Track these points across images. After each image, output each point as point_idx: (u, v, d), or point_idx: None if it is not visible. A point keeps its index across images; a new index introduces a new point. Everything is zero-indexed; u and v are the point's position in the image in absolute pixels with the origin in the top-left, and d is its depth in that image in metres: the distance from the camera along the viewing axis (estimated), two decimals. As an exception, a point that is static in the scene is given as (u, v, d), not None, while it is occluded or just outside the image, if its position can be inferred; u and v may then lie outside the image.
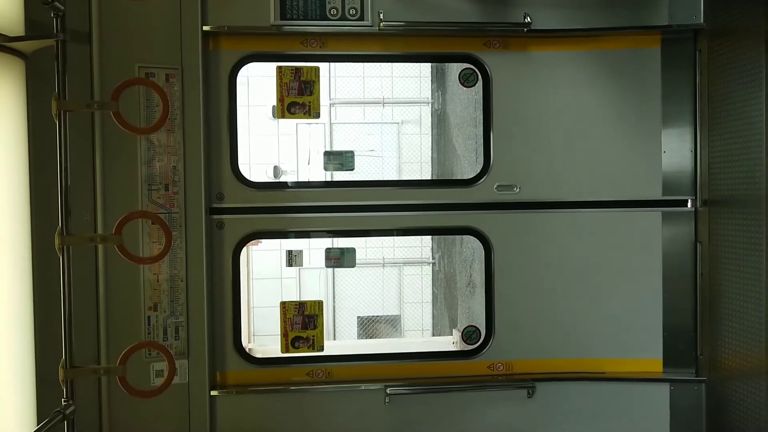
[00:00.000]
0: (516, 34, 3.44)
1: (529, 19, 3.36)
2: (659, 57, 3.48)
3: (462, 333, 3.66)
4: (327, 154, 3.68)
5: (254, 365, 3.44)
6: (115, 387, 2.73)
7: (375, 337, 10.74)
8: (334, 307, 10.41)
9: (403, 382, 3.47)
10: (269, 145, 9.77)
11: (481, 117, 3.58)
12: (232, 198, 3.39)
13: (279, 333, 3.47)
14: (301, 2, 3.30)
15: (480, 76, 3.54)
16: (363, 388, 3.44)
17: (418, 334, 10.42)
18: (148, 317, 3.18)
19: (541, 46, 3.49)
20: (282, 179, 9.33)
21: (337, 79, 10.13)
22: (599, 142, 3.52)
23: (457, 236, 7.69)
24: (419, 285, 10.43)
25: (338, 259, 3.59)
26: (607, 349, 3.54)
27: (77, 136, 2.83)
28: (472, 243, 7.03)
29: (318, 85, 3.42)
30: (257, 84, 9.07)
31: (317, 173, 9.35)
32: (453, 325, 8.46)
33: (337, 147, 10.02)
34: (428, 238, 9.70)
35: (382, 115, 10.38)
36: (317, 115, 3.45)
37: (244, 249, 3.46)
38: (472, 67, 3.54)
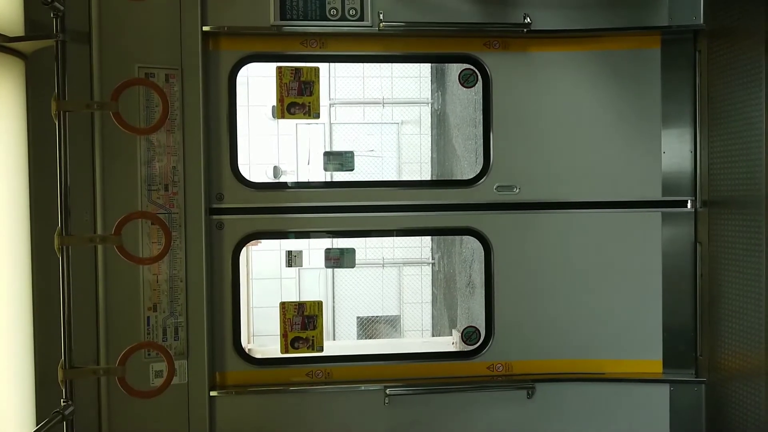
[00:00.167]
0: (516, 35, 3.44)
1: (528, 20, 3.36)
2: (659, 57, 3.48)
3: (462, 333, 3.66)
4: (327, 154, 3.68)
5: (254, 366, 3.44)
6: (115, 387, 2.73)
7: (374, 338, 10.74)
8: (333, 307, 10.41)
9: (403, 383, 3.47)
10: (269, 146, 9.77)
11: (481, 117, 3.58)
12: (231, 198, 3.39)
13: (278, 333, 3.47)
14: (301, 2, 3.30)
15: (480, 77, 3.54)
16: (362, 388, 3.44)
17: (418, 335, 10.42)
18: (148, 318, 3.18)
19: (541, 47, 3.49)
20: (282, 179, 9.32)
21: (337, 80, 10.13)
22: (599, 142, 3.52)
23: (456, 236, 7.69)
24: (419, 285, 10.43)
25: (338, 259, 3.58)
26: (606, 349, 3.54)
27: (77, 136, 2.83)
28: (472, 243, 7.03)
29: (318, 85, 3.42)
30: (257, 84, 9.08)
31: (317, 173, 9.34)
32: (453, 325, 8.47)
33: (337, 147, 10.02)
34: (428, 238, 9.70)
35: (381, 116, 10.38)
36: (317, 116, 3.45)
37: (244, 249, 3.45)
38: (471, 67, 3.54)
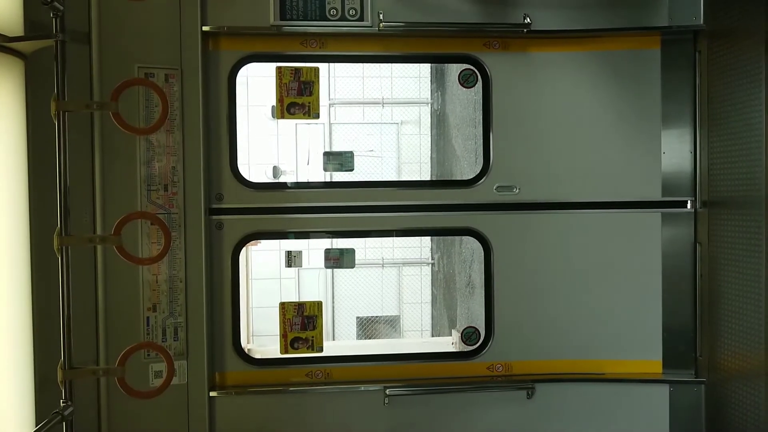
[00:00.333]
0: (516, 35, 3.44)
1: (528, 20, 3.36)
2: (659, 58, 3.48)
3: (461, 334, 3.65)
4: (326, 154, 3.68)
5: (253, 366, 3.44)
6: (114, 388, 2.72)
7: (374, 338, 10.74)
8: (333, 307, 10.41)
9: (403, 383, 3.47)
10: (268, 146, 9.77)
11: (481, 117, 3.58)
12: (231, 198, 3.38)
13: (278, 333, 3.46)
14: (300, 3, 3.30)
15: (480, 77, 3.54)
16: (362, 389, 3.44)
17: (418, 335, 10.43)
18: (147, 318, 3.18)
19: (541, 47, 3.49)
20: (281, 179, 9.32)
21: (337, 80, 10.13)
22: (599, 143, 3.52)
23: (456, 237, 7.69)
24: (418, 285, 10.43)
25: (337, 259, 3.58)
26: (606, 350, 3.54)
27: (76, 136, 2.83)
28: (472, 243, 7.03)
29: (317, 85, 3.42)
30: (257, 84, 9.08)
31: (317, 173, 9.35)
32: (452, 325, 8.47)
33: (337, 147, 10.02)
34: (427, 238, 9.70)
35: (381, 116, 10.38)
36: (317, 116, 3.45)
37: (244, 249, 3.45)
38: (471, 67, 3.54)
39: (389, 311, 10.52)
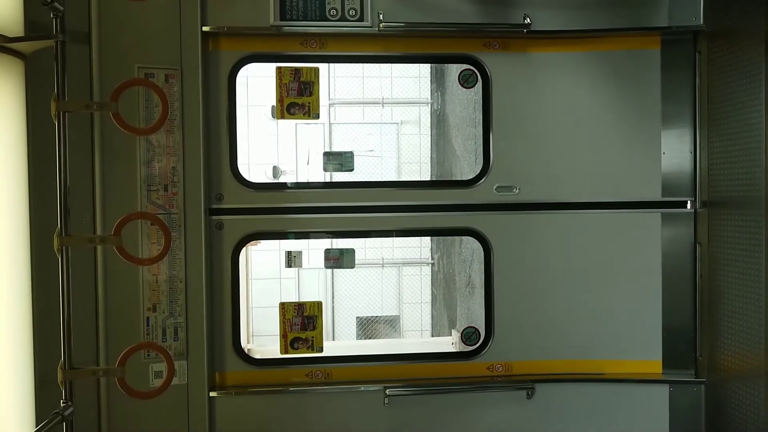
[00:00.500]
0: (516, 35, 3.44)
1: (528, 20, 3.36)
2: (659, 58, 3.48)
3: (461, 334, 3.65)
4: (326, 154, 3.68)
5: (253, 366, 3.44)
6: (114, 388, 2.73)
7: (374, 338, 10.74)
8: (333, 307, 10.41)
9: (403, 383, 3.47)
10: (268, 146, 9.77)
11: (481, 118, 3.58)
12: (231, 198, 3.38)
13: (278, 334, 3.46)
14: (300, 3, 3.30)
15: (479, 77, 3.54)
16: (362, 389, 3.44)
17: (418, 335, 10.43)
18: (147, 318, 3.18)
19: (541, 47, 3.49)
20: (281, 180, 9.32)
21: (337, 80, 10.13)
22: (599, 143, 3.52)
23: (456, 237, 7.69)
24: (418, 285, 10.43)
25: (337, 259, 3.58)
26: (606, 350, 3.54)
27: (76, 136, 2.83)
28: (471, 243, 7.03)
29: (317, 85, 3.42)
30: (256, 84, 9.07)
31: (316, 174, 9.35)
32: (452, 325, 8.47)
33: (337, 147, 10.02)
34: (427, 238, 9.70)
35: (381, 116, 10.38)
36: (317, 116, 3.45)
37: (243, 249, 3.45)
38: (471, 67, 3.54)
39: (389, 311, 10.52)
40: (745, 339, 3.04)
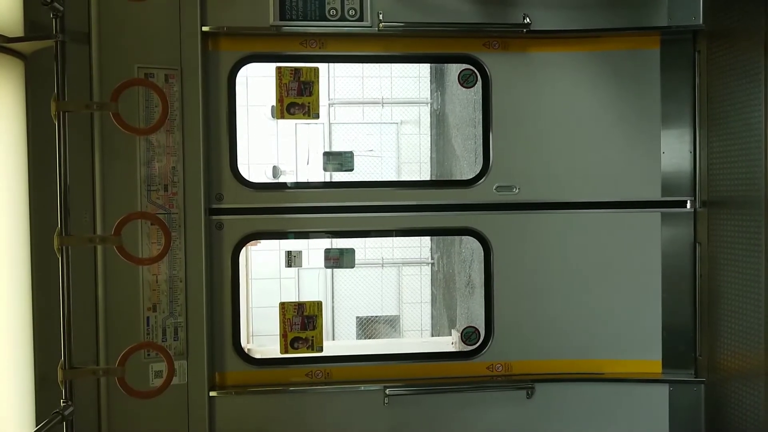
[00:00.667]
0: (515, 35, 3.44)
1: (528, 20, 3.36)
2: (658, 58, 3.48)
3: (461, 333, 3.66)
4: (326, 154, 3.68)
5: (253, 366, 3.44)
6: (114, 388, 2.73)
7: (374, 338, 10.74)
8: (333, 307, 10.41)
9: (402, 383, 3.48)
10: (268, 146, 9.76)
11: (480, 117, 3.58)
12: (231, 198, 3.38)
13: (278, 333, 3.46)
14: (300, 3, 3.30)
15: (479, 77, 3.54)
16: (362, 388, 3.44)
17: (417, 335, 10.43)
18: (147, 318, 3.18)
19: (541, 47, 3.49)
20: (281, 179, 9.32)
21: (336, 80, 10.12)
22: (598, 142, 3.52)
23: (456, 236, 7.69)
24: (418, 285, 10.43)
25: (337, 259, 3.58)
26: (606, 350, 3.54)
27: (76, 136, 2.83)
28: (471, 243, 7.03)
29: (317, 85, 3.42)
30: (256, 84, 9.07)
31: (316, 173, 9.35)
32: (452, 325, 8.47)
33: (336, 147, 10.02)
34: (427, 238, 9.70)
35: (381, 116, 10.38)
36: (316, 116, 3.45)
37: (243, 249, 3.45)
38: (471, 67, 3.54)
39: (389, 311, 10.52)
40: (745, 339, 3.05)
